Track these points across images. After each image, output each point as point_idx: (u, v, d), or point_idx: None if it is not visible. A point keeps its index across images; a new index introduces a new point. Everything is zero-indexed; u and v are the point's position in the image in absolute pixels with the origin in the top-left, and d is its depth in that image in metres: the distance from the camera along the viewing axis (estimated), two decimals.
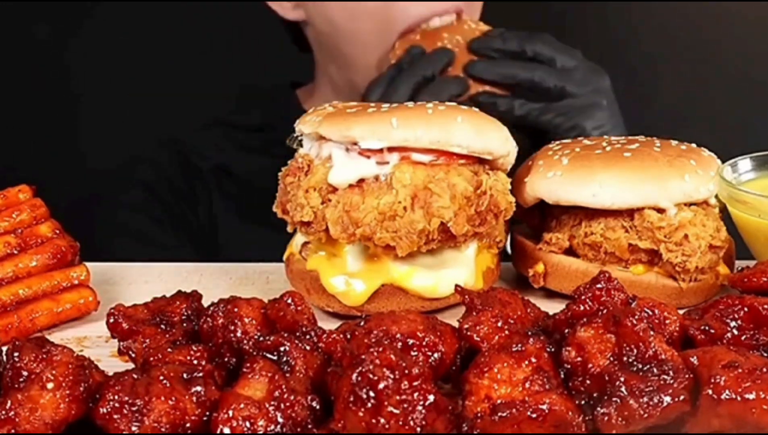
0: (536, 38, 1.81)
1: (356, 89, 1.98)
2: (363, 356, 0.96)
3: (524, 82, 1.79)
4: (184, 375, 1.00)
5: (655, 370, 0.99)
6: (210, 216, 2.09)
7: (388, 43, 1.91)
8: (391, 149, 1.30)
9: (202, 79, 2.78)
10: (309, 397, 1.01)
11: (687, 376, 0.99)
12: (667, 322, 1.09)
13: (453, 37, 1.83)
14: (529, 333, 1.09)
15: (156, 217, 2.08)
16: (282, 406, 0.98)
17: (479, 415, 0.98)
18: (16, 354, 1.02)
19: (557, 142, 1.48)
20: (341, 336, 1.04)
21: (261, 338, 1.07)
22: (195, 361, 1.08)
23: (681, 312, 1.14)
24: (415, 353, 1.08)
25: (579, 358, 1.03)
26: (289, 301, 1.13)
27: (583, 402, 1.01)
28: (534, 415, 0.97)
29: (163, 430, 0.97)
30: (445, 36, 1.83)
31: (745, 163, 1.45)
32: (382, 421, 0.93)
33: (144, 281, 1.51)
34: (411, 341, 1.09)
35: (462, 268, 1.36)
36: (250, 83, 2.72)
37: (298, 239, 1.42)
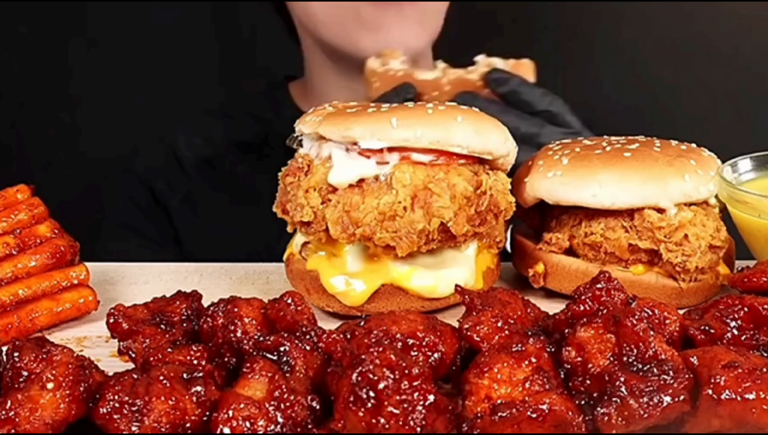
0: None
1: (333, 68, 2.06)
2: (363, 356, 0.96)
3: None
4: (184, 375, 1.00)
5: (655, 370, 0.99)
6: (187, 207, 2.13)
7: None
8: (391, 149, 1.30)
9: (199, 74, 2.79)
10: (309, 397, 1.01)
11: (687, 376, 0.99)
12: (667, 322, 1.09)
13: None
14: (529, 333, 1.09)
15: (143, 210, 2.14)
16: (282, 406, 0.98)
17: (479, 415, 0.98)
18: (16, 354, 1.02)
19: (557, 142, 1.48)
20: (341, 336, 1.04)
21: (261, 338, 1.07)
22: (195, 361, 1.08)
23: (681, 312, 1.14)
24: (415, 353, 1.08)
25: (579, 358, 1.03)
26: (289, 301, 1.13)
27: (583, 402, 1.01)
28: (534, 415, 0.97)
29: (163, 430, 0.97)
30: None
31: (745, 163, 1.45)
32: (382, 421, 0.93)
33: (144, 281, 1.51)
34: (411, 341, 1.09)
35: (462, 268, 1.36)
36: (245, 78, 2.74)
37: (298, 239, 1.42)
